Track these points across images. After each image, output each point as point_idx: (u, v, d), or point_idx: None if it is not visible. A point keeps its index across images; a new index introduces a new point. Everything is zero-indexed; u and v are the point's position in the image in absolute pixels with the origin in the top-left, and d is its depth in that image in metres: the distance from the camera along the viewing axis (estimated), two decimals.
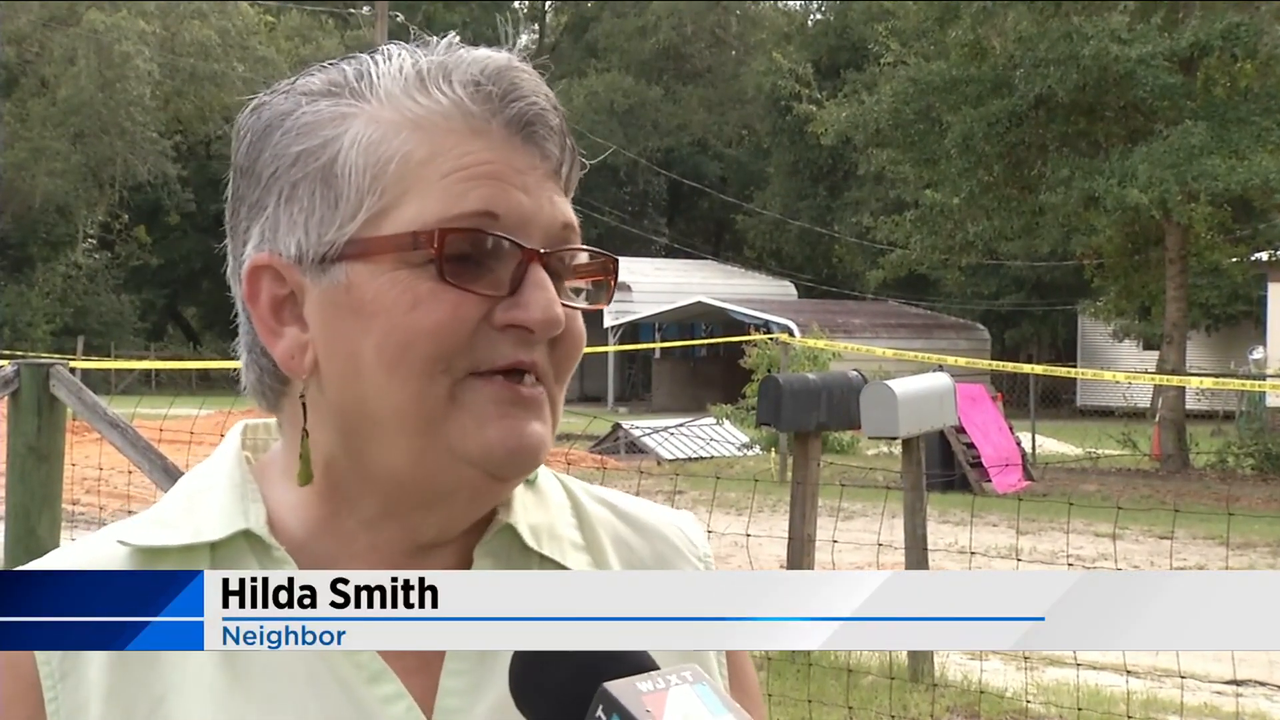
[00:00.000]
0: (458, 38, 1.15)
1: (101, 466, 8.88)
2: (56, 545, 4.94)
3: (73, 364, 6.64)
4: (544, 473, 1.23)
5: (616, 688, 0.93)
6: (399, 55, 1.13)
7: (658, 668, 0.96)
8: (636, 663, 0.96)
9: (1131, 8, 22.52)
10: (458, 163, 1.08)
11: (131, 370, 37.36)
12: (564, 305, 1.10)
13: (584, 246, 1.14)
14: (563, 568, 1.17)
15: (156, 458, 5.08)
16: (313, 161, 1.10)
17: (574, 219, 1.13)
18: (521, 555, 1.16)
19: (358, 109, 1.11)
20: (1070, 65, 21.47)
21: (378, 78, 1.12)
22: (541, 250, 1.09)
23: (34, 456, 5.28)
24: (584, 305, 1.14)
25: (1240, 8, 21.66)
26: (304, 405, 1.12)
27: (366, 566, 1.11)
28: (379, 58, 1.13)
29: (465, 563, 1.15)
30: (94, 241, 47.61)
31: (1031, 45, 22.24)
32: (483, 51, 1.13)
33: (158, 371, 40.23)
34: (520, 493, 1.19)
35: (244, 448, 1.21)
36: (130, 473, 6.68)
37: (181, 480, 1.20)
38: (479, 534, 1.16)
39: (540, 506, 1.20)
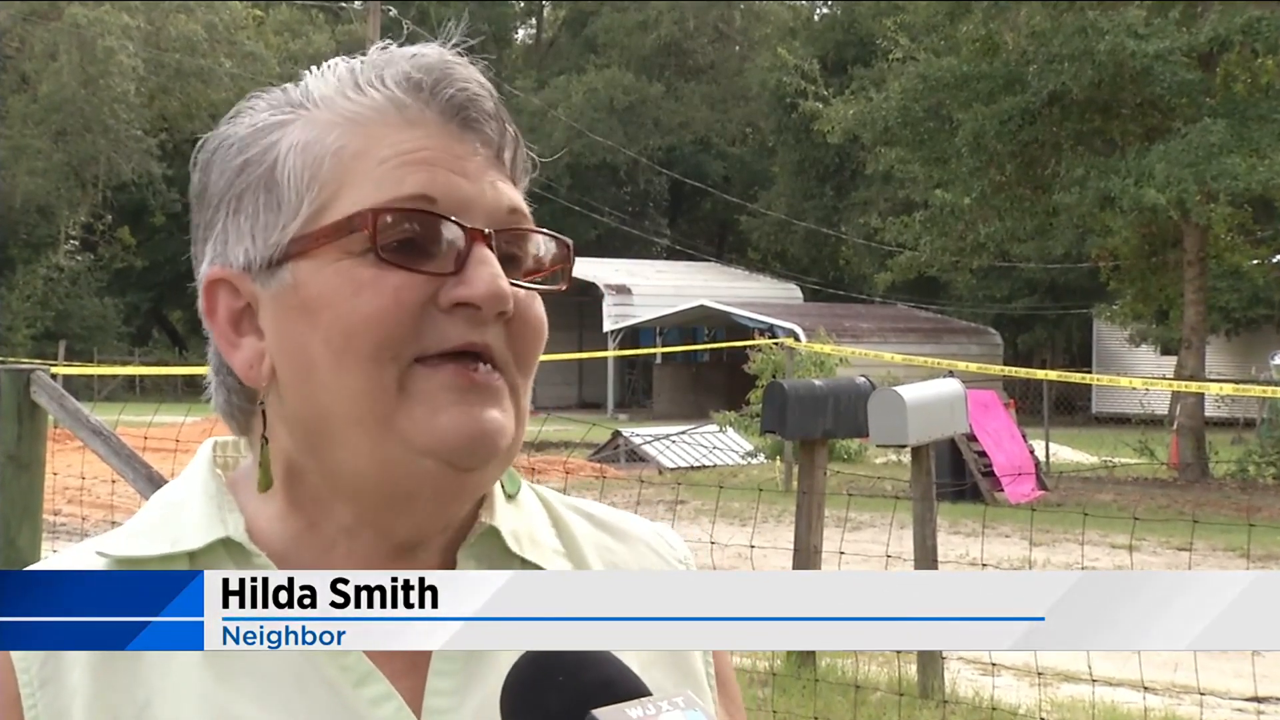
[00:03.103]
0: (392, 42, 1.17)
1: (84, 475, 8.85)
2: (37, 557, 5.03)
3: (54, 369, 6.75)
4: (522, 485, 1.25)
5: (606, 715, 0.94)
6: (337, 62, 1.17)
7: (650, 694, 0.97)
8: (630, 690, 0.97)
9: (1148, 3, 22.44)
10: (392, 150, 1.11)
11: (115, 376, 37.47)
12: (518, 285, 1.11)
13: (534, 228, 1.15)
14: (544, 570, 1.19)
15: (141, 466, 5.02)
16: (255, 170, 1.13)
17: (522, 204, 1.14)
18: (504, 558, 1.18)
19: (295, 115, 1.14)
20: (1085, 61, 21.31)
21: (313, 86, 1.16)
22: (485, 230, 1.10)
23: (14, 465, 5.27)
24: (538, 286, 1.14)
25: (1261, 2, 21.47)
26: (263, 413, 1.15)
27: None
28: (318, 70, 1.18)
29: (449, 565, 1.16)
30: (76, 243, 47.89)
31: (1045, 40, 22.13)
32: (415, 47, 1.15)
33: (142, 377, 40.58)
34: (499, 498, 1.21)
35: (214, 464, 1.22)
36: (114, 482, 6.67)
37: (155, 495, 1.21)
38: (462, 537, 1.17)
39: (518, 514, 1.22)
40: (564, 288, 1.17)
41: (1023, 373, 22.26)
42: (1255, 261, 26.63)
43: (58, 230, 47.01)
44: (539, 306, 1.15)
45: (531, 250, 1.15)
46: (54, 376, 5.52)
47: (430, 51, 1.15)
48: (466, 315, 1.10)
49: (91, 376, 34.58)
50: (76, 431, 5.23)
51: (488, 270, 1.09)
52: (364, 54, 1.18)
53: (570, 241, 1.18)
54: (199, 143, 1.19)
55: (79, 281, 47.43)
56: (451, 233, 1.10)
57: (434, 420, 1.08)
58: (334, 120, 1.13)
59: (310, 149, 1.12)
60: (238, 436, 1.22)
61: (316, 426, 1.11)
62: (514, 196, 1.14)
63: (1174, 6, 22.13)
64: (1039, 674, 8.14)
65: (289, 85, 1.18)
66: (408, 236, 1.09)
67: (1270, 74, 22.23)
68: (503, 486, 1.23)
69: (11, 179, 44.33)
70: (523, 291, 1.13)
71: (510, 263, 1.13)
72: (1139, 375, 30.08)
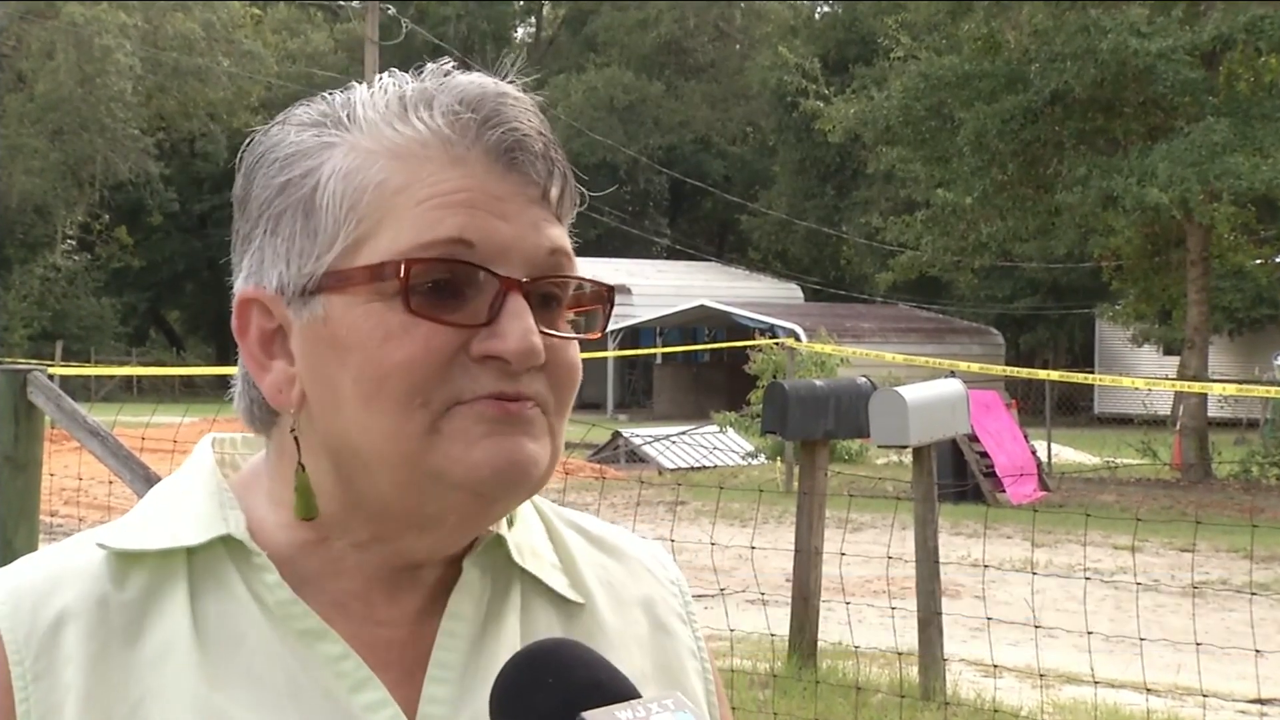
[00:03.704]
0: (452, 64, 1.16)
1: (81, 476, 8.93)
2: None
3: (51, 370, 6.77)
4: None
5: (595, 717, 0.95)
6: (388, 83, 1.15)
7: (640, 696, 0.98)
8: (620, 692, 0.98)
9: (1151, 1, 22.43)
10: (433, 190, 1.09)
11: (112, 376, 37.60)
12: (553, 335, 1.11)
13: (574, 275, 1.14)
14: (543, 584, 1.20)
15: (138, 467, 4.98)
16: (295, 192, 1.12)
17: (565, 244, 1.13)
18: (506, 568, 1.19)
19: (340, 139, 1.13)
20: (1087, 60, 21.32)
21: (361, 106, 1.14)
22: (522, 279, 1.10)
23: (10, 466, 5.25)
24: (572, 334, 1.14)
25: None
26: (296, 440, 1.14)
27: (354, 583, 1.14)
28: (368, 86, 1.16)
29: (452, 573, 1.17)
30: (73, 243, 47.97)
31: (1047, 39, 22.15)
32: (471, 78, 1.14)
33: (139, 377, 40.65)
34: None
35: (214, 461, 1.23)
36: (111, 483, 6.55)
37: (155, 488, 1.21)
38: (468, 546, 1.17)
39: (520, 524, 1.22)
40: (599, 335, 1.17)
41: (1025, 373, 22.09)
42: (1258, 261, 26.69)
43: (54, 230, 47.07)
44: (574, 352, 1.14)
45: (573, 288, 1.15)
46: (51, 377, 5.50)
47: (486, 83, 1.13)
48: (497, 366, 1.09)
49: (89, 377, 34.71)
50: (73, 432, 5.19)
51: (520, 325, 1.08)
52: (420, 71, 1.16)
53: (612, 286, 1.18)
54: (246, 140, 1.18)
55: (76, 281, 47.48)
56: (485, 280, 1.09)
57: (469, 455, 1.08)
58: (377, 151, 1.11)
59: (352, 179, 1.11)
60: (255, 435, 1.22)
61: (344, 455, 1.11)
62: (556, 237, 1.13)
63: (1177, 5, 22.14)
64: (1041, 675, 8.04)
65: (339, 98, 1.16)
66: (440, 282, 1.09)
67: (1274, 73, 22.18)
68: None
69: (8, 178, 44.34)
70: (558, 338, 1.12)
71: (549, 303, 1.12)
72: (1141, 375, 30.09)
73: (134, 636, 1.09)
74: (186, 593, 1.11)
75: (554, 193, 1.13)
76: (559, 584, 1.21)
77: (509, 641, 1.15)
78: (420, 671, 1.14)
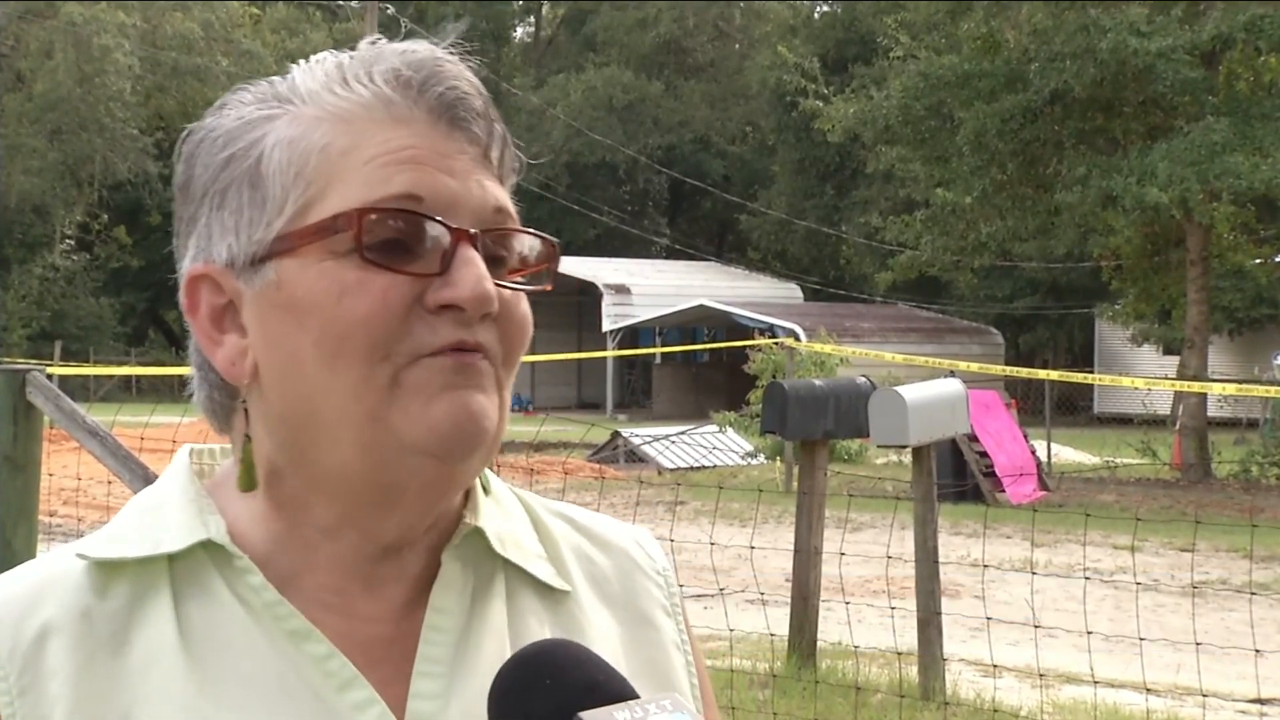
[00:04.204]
0: (383, 37, 1.17)
1: (80, 476, 8.87)
2: (33, 559, 4.89)
3: (50, 370, 6.74)
4: (499, 485, 1.25)
5: (592, 717, 0.95)
6: (325, 56, 1.17)
7: (637, 697, 0.98)
8: (617, 693, 0.98)
9: (1150, 0, 22.44)
10: (379, 149, 1.11)
11: (111, 376, 37.64)
12: (502, 285, 1.12)
13: (520, 228, 1.15)
14: (528, 574, 1.20)
15: (137, 467, 4.96)
16: (240, 165, 1.13)
17: (508, 203, 1.15)
18: (488, 560, 1.19)
19: (281, 110, 1.14)
20: (1087, 59, 21.33)
21: (300, 80, 1.15)
22: (471, 231, 1.10)
23: (9, 466, 5.24)
24: (523, 286, 1.15)
25: None
26: (245, 411, 1.15)
27: (331, 576, 1.14)
28: (305, 64, 1.17)
29: (434, 566, 1.16)
30: (72, 242, 47.98)
31: (1047, 38, 22.17)
32: (406, 44, 1.15)
33: (138, 377, 40.69)
34: (481, 499, 1.21)
35: (192, 470, 1.23)
36: (110, 483, 6.50)
37: (131, 500, 1.21)
38: (446, 537, 1.17)
39: (502, 515, 1.22)
40: (549, 287, 1.17)
41: (1024, 373, 22.13)
42: (1258, 261, 26.66)
43: (53, 230, 47.05)
44: (524, 305, 1.15)
45: (517, 249, 1.15)
46: (50, 377, 5.49)
47: (420, 48, 1.15)
48: (453, 316, 1.09)
49: (87, 377, 34.70)
50: (72, 432, 5.18)
51: (473, 272, 1.09)
52: (353, 49, 1.18)
53: (556, 241, 1.18)
54: (183, 133, 1.18)
55: (75, 281, 47.45)
56: (437, 232, 1.10)
57: (427, 412, 1.08)
58: (321, 116, 1.12)
59: (296, 145, 1.11)
60: (219, 434, 1.22)
61: (302, 424, 1.11)
62: (500, 196, 1.14)
63: (1176, 5, 22.15)
64: (1041, 675, 8.04)
65: (276, 79, 1.17)
66: (393, 236, 1.09)
67: (1273, 72, 22.13)
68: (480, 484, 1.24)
69: (7, 178, 44.30)
70: (508, 290, 1.13)
71: (495, 262, 1.12)
72: (1141, 375, 30.02)
73: (119, 645, 1.09)
74: (170, 599, 1.11)
75: (495, 154, 1.15)
76: (544, 573, 1.21)
77: (496, 632, 1.15)
78: (409, 667, 1.13)
